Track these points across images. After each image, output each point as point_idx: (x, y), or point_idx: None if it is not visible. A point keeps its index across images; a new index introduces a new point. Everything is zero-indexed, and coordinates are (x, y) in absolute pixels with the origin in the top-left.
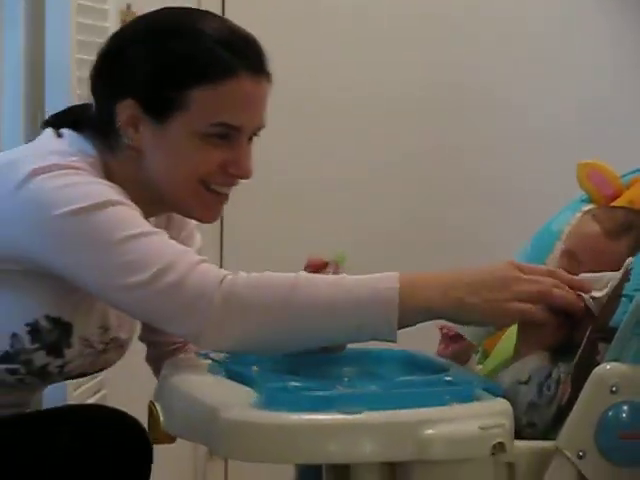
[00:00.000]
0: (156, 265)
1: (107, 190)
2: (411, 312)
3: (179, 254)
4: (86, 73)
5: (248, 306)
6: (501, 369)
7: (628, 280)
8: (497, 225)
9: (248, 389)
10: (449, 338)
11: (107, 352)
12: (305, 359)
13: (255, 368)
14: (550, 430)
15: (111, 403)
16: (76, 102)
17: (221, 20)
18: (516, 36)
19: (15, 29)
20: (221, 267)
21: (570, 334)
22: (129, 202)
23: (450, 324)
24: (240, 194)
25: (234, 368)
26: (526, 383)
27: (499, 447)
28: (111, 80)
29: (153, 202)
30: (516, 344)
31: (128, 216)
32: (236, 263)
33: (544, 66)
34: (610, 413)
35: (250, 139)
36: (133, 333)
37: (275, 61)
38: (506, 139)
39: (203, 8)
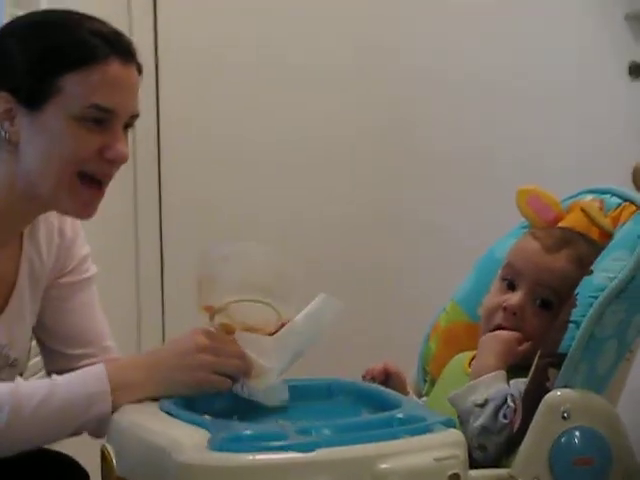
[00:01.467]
0: None
1: None
2: (121, 404)
3: None
4: None
5: None
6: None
7: (575, 306)
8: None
9: (201, 430)
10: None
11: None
12: None
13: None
14: (501, 456)
15: (63, 446)
16: None
17: (93, 17)
18: None
19: None
20: None
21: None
22: None
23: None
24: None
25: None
26: (482, 406)
27: (454, 478)
28: None
29: (28, 202)
30: (475, 360)
31: None
32: None
33: None
34: (563, 439)
35: (126, 129)
36: (25, 353)
37: None
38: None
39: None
